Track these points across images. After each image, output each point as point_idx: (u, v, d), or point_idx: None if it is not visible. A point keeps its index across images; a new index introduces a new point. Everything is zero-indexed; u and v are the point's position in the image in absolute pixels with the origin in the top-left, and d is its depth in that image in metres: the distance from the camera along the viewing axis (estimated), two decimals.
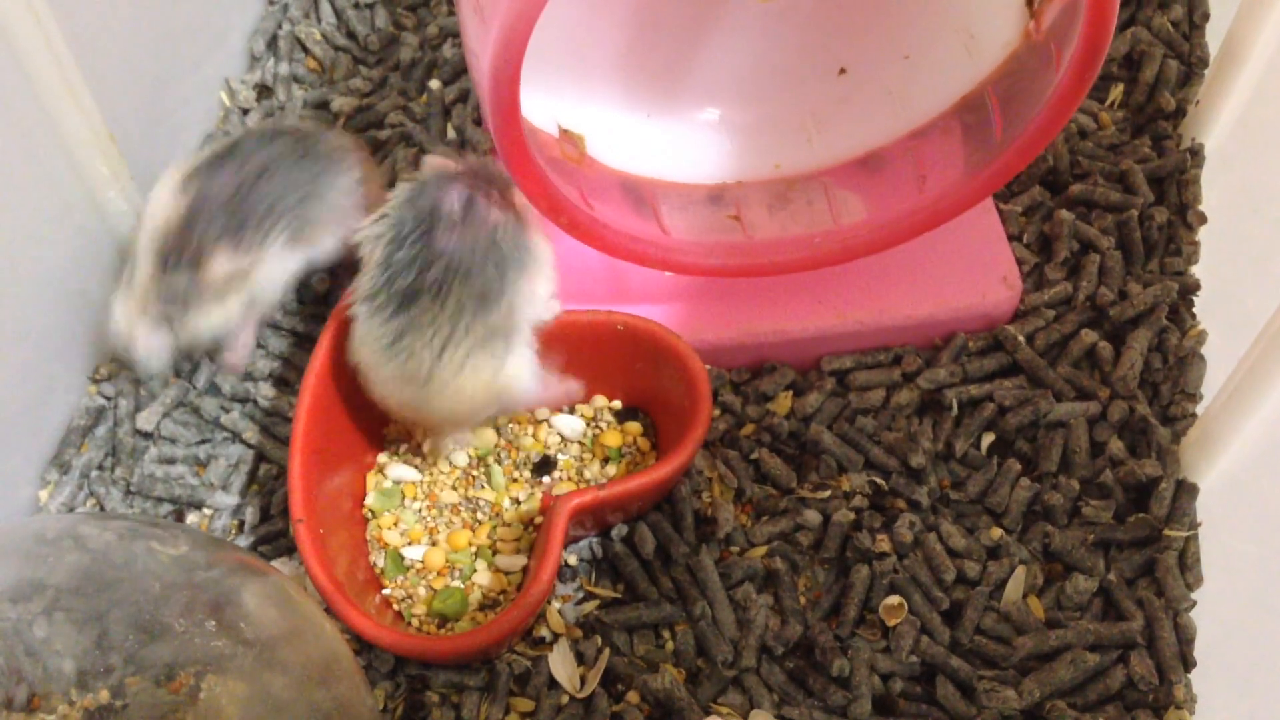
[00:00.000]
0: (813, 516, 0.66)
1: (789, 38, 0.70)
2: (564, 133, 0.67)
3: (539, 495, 0.67)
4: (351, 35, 0.87)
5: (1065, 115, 0.62)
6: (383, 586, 0.65)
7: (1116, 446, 0.68)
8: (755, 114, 0.72)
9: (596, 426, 0.69)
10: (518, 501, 0.67)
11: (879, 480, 0.68)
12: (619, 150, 0.70)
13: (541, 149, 0.66)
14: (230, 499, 0.69)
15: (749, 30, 0.70)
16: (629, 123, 0.71)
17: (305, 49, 0.86)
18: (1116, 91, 0.82)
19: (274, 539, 0.67)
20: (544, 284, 0.64)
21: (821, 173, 0.71)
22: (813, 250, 0.69)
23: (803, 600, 0.65)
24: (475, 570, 0.65)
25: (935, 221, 0.68)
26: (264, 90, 0.83)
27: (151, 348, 0.67)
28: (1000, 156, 0.65)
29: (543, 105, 0.67)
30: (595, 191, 0.67)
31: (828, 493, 0.67)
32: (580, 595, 0.66)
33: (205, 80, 0.82)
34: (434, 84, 0.83)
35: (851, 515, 0.66)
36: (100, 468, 0.70)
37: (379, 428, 0.69)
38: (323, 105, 0.83)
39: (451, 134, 0.81)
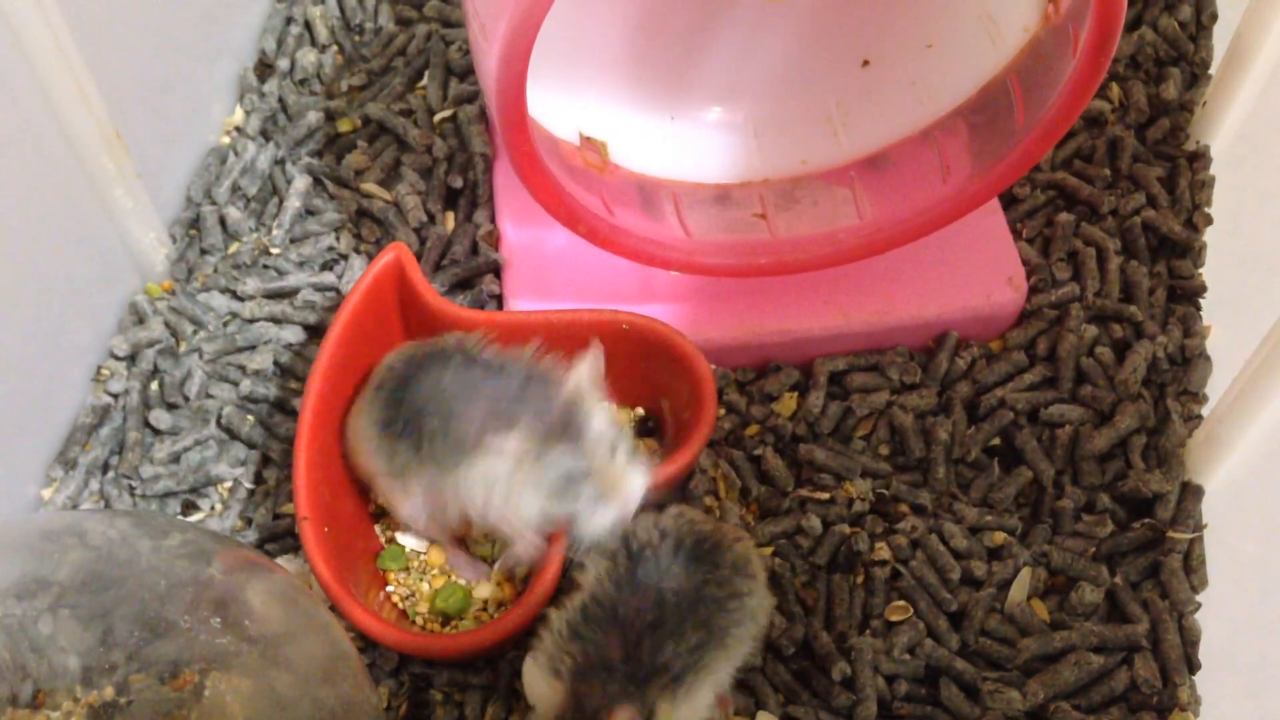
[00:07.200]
0: (816, 518, 0.66)
1: (811, 32, 0.70)
2: (586, 140, 0.67)
3: None
4: (359, 29, 0.87)
5: (1084, 99, 0.61)
6: (387, 584, 0.65)
7: (1124, 448, 0.68)
8: (781, 110, 0.72)
9: None
10: None
11: (883, 481, 0.68)
12: (642, 154, 0.70)
13: (563, 159, 0.66)
14: (236, 496, 0.69)
15: (771, 26, 0.70)
16: (652, 126, 0.71)
17: (314, 40, 0.85)
18: (1122, 93, 0.82)
19: (279, 537, 0.67)
20: None
21: (847, 167, 0.71)
22: (837, 246, 0.69)
23: (808, 601, 0.65)
24: None
25: (958, 213, 0.68)
26: (266, 69, 0.83)
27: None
28: (1021, 144, 0.65)
29: (563, 114, 0.67)
30: (617, 198, 0.67)
31: (829, 495, 0.67)
32: None
33: (213, 78, 0.82)
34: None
35: (856, 516, 0.66)
36: (105, 466, 0.70)
37: None
38: (329, 117, 0.82)
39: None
